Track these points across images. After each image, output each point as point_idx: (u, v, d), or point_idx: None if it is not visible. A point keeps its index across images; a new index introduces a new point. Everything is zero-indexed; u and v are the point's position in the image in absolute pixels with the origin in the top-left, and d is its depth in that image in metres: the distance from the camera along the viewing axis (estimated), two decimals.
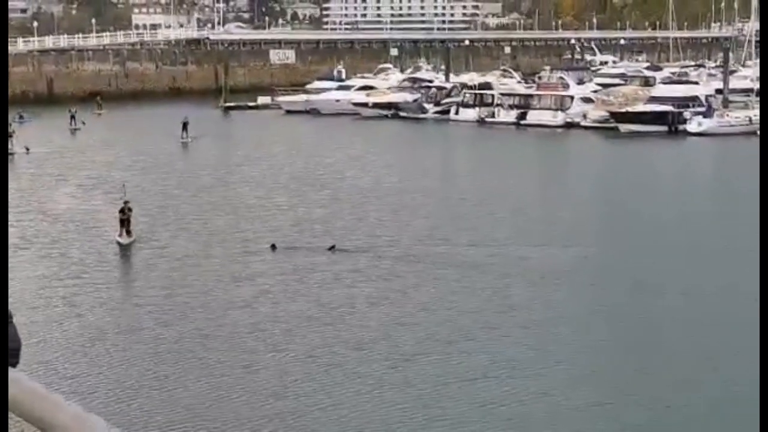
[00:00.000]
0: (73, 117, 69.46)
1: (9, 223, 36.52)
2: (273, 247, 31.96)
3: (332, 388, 19.73)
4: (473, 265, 29.63)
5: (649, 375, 20.57)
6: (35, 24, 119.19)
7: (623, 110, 68.36)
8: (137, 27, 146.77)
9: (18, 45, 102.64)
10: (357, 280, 28.20)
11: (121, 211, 33.09)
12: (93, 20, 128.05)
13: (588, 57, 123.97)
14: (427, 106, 78.98)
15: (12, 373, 1.67)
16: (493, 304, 25.59)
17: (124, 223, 33.00)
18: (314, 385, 19.86)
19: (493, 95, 76.19)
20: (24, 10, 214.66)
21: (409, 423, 18.16)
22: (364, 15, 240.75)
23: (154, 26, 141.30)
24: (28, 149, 55.04)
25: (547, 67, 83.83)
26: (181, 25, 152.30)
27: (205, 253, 31.91)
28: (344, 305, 25.65)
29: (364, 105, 79.61)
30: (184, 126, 63.78)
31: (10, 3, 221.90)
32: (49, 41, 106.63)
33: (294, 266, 29.86)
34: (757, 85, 66.88)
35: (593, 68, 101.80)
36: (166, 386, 20.05)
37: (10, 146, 53.46)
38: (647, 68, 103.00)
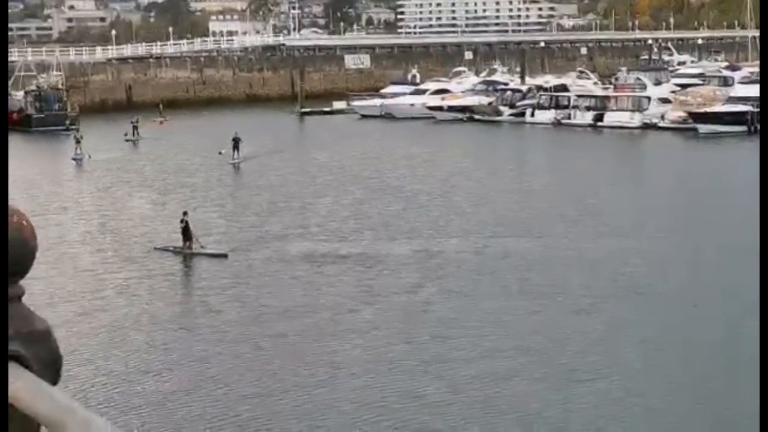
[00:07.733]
0: (135, 128, 67.46)
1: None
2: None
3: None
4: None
5: None
6: (114, 33, 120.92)
7: (701, 111, 67.44)
8: (214, 34, 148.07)
9: (97, 53, 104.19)
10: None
11: (181, 221, 32.32)
12: (170, 28, 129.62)
13: (665, 57, 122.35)
14: (502, 108, 78.40)
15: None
16: None
17: (186, 233, 32.12)
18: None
19: (569, 97, 75.61)
20: (103, 19, 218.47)
21: None
22: (439, 19, 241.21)
23: (230, 33, 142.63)
24: (89, 156, 57.83)
25: (624, 68, 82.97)
26: (258, 32, 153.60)
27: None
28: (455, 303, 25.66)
29: (439, 108, 79.37)
30: (235, 144, 55.16)
31: (90, 12, 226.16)
32: (127, 49, 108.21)
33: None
34: None
35: (671, 68, 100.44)
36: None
37: (79, 151, 58.49)
38: (726, 68, 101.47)
